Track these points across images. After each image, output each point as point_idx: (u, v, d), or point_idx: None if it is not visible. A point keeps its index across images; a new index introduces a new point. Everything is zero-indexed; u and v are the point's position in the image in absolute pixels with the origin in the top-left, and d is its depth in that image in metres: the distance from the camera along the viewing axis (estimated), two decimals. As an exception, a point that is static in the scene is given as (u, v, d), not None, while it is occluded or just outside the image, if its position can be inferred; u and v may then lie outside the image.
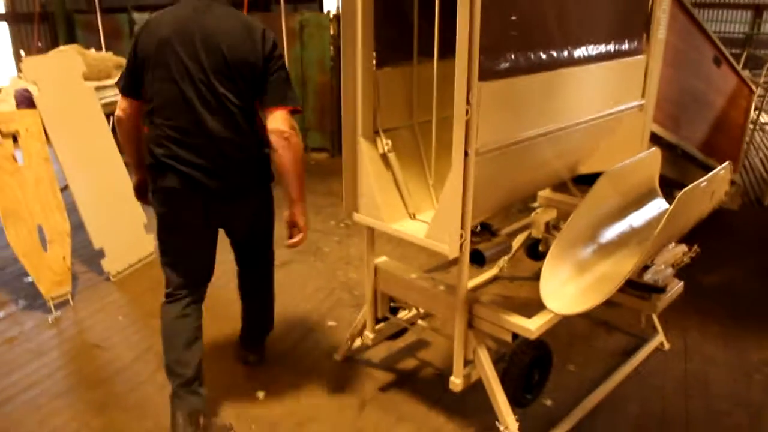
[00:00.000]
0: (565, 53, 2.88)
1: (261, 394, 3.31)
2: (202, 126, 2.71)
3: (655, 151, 3.42)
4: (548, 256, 2.83)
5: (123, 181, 4.71)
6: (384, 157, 2.93)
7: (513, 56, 2.61)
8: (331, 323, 3.96)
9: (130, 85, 2.84)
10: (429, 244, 2.76)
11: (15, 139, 4.11)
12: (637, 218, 3.27)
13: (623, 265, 2.92)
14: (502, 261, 4.53)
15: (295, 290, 4.37)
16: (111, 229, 4.57)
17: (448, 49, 2.58)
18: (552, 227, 4.01)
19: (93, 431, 3.09)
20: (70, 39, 7.91)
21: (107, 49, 6.69)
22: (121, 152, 3.34)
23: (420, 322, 3.54)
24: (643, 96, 3.50)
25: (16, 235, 4.05)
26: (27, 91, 4.19)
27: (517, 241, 4.22)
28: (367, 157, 2.88)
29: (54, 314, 4.13)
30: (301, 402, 3.27)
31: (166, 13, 2.77)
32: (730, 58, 5.19)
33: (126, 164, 3.33)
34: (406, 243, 2.89)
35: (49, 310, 4.13)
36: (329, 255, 4.89)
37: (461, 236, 2.61)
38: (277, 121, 2.72)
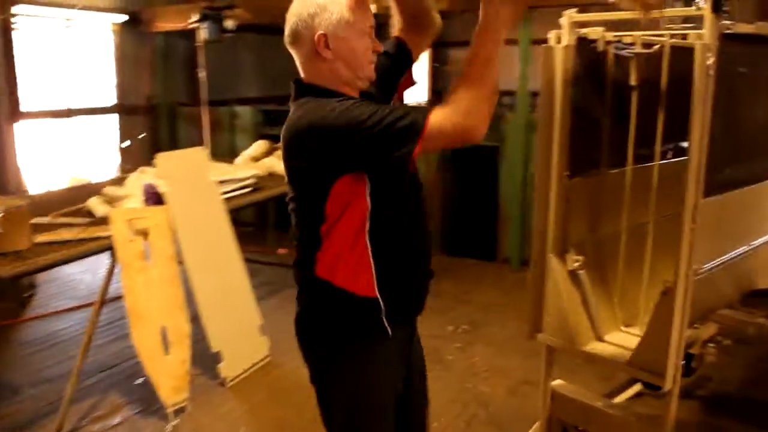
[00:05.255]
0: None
1: None
2: None
3: None
4: None
5: (241, 281, 4.58)
6: (573, 274, 2.69)
7: (730, 169, 2.41)
8: (472, 443, 3.65)
9: None
10: (632, 371, 2.48)
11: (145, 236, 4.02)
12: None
13: None
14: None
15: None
16: (229, 332, 4.38)
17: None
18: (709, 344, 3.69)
19: None
20: (172, 131, 8.00)
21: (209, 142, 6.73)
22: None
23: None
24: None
25: (140, 336, 3.89)
26: (153, 186, 4.11)
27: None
28: (556, 275, 2.65)
29: (172, 422, 3.90)
30: None
31: None
32: None
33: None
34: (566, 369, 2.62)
35: (165, 416, 3.91)
36: (454, 364, 4.59)
37: (675, 366, 2.34)
38: None
